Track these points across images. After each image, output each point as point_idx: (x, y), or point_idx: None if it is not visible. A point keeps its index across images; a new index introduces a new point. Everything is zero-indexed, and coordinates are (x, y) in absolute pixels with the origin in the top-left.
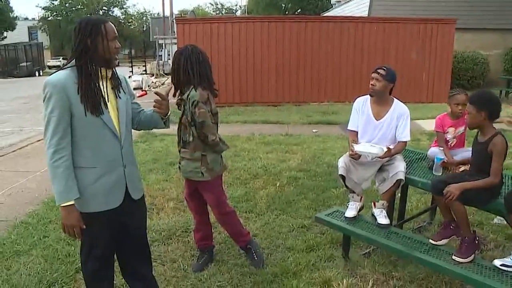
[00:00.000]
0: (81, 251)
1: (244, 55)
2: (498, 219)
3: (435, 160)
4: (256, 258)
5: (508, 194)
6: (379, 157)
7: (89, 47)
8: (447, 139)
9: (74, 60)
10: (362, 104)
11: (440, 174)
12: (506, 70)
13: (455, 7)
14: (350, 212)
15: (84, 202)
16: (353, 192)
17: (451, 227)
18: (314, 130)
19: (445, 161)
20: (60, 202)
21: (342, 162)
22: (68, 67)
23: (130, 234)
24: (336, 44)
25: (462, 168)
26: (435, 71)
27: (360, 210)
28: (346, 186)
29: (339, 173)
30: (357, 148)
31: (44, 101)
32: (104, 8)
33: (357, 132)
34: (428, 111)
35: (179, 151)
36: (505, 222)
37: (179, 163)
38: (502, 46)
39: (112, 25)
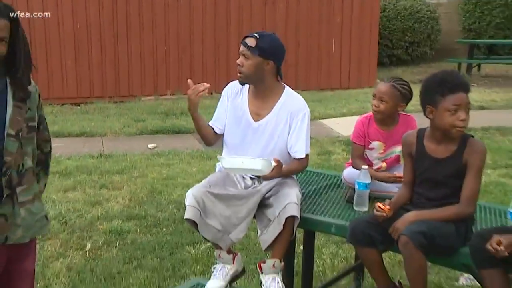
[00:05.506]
0: None
1: None
2: (465, 279)
3: (356, 186)
4: None
5: (474, 238)
6: (264, 178)
7: None
8: (371, 159)
9: None
10: (237, 93)
11: (366, 209)
12: (466, 29)
13: None
14: (215, 284)
15: None
16: (218, 247)
17: None
18: (150, 145)
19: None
20: None
21: (190, 195)
22: None
23: None
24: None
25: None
26: (351, 35)
27: (234, 278)
28: (204, 238)
29: (186, 216)
30: (227, 164)
31: None
32: None
33: (216, 133)
34: (344, 103)
35: (17, 192)
36: (477, 283)
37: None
38: None
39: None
